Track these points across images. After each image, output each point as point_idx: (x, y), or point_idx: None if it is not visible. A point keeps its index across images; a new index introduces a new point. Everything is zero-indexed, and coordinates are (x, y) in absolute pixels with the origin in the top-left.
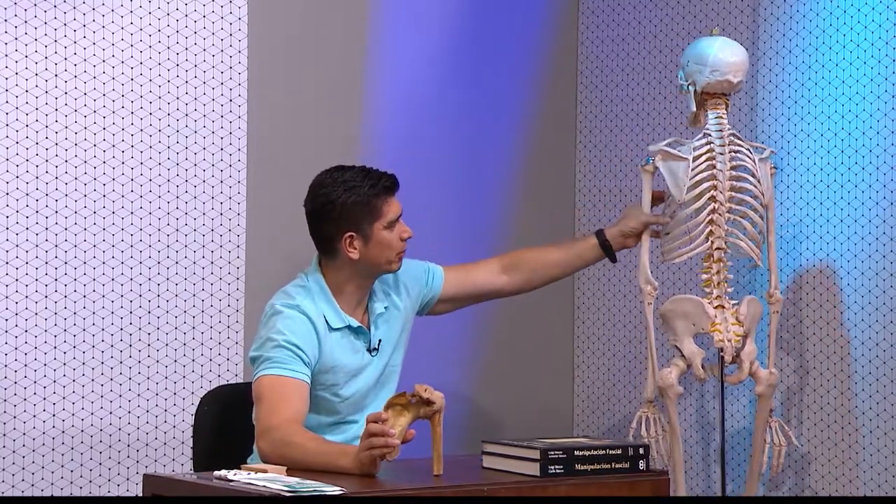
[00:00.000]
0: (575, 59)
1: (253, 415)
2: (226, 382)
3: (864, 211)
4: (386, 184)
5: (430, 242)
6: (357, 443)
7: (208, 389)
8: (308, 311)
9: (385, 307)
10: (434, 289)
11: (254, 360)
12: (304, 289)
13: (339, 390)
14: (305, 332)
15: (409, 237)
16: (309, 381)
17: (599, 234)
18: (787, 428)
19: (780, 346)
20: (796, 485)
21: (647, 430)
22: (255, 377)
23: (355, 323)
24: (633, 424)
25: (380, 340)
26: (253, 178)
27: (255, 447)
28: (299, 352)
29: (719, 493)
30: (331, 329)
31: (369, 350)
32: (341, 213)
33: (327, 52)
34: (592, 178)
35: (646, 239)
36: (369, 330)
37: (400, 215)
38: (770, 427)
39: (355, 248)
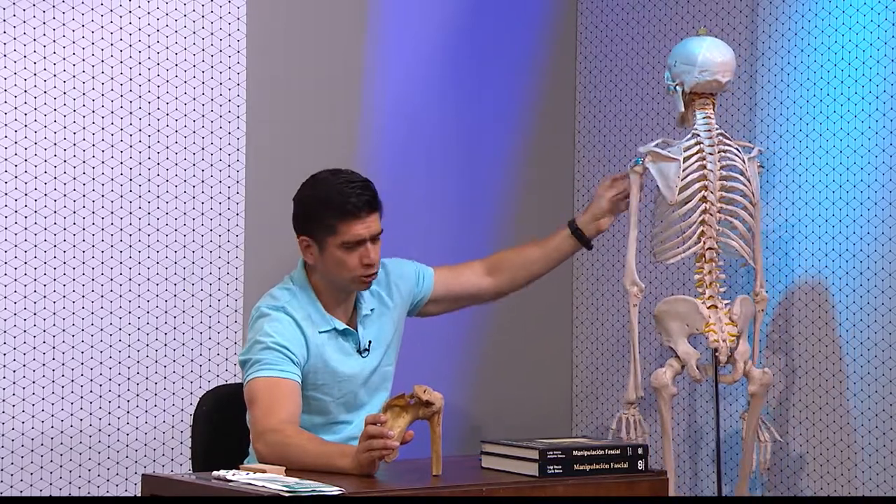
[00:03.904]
0: (574, 58)
1: (247, 418)
2: (224, 382)
3: (864, 211)
4: (349, 207)
5: (429, 243)
6: (351, 443)
7: (207, 389)
8: (293, 313)
9: (371, 308)
10: (425, 289)
11: (243, 363)
12: (288, 291)
13: (329, 390)
14: (292, 333)
15: (372, 265)
16: (300, 381)
17: (571, 223)
18: (768, 424)
19: (773, 348)
20: (795, 485)
21: (628, 432)
22: (247, 380)
23: (341, 325)
24: (613, 426)
25: (370, 341)
26: (251, 178)
27: (250, 449)
28: (288, 352)
29: (713, 494)
30: (318, 331)
31: (359, 351)
32: (304, 214)
33: (326, 51)
34: (591, 179)
35: (632, 240)
36: (356, 331)
37: (365, 240)
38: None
39: (311, 255)
